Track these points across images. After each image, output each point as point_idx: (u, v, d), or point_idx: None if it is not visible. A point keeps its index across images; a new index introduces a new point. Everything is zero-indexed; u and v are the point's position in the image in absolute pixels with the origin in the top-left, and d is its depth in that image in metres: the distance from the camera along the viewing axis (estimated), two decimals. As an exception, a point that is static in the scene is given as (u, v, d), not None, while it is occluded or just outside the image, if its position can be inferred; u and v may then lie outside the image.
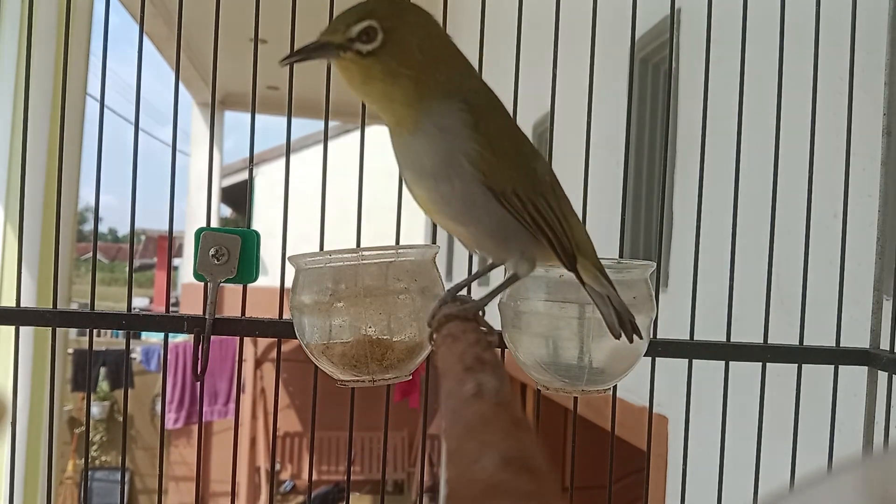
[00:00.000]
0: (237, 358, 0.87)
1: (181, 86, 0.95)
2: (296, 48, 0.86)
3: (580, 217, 0.94)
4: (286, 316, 0.82)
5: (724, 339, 0.91)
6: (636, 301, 0.69)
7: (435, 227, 0.82)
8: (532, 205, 0.58)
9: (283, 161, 0.93)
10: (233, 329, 0.87)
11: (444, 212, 0.59)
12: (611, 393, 0.86)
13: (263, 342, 6.86)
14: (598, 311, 0.66)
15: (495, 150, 0.57)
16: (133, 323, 0.86)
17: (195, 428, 6.61)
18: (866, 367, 0.92)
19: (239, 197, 10.09)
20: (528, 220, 0.58)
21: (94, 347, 0.97)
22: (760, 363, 0.90)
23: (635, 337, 0.65)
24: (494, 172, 0.57)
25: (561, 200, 0.62)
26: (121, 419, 7.24)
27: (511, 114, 0.71)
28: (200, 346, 0.83)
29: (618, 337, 0.66)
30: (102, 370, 6.79)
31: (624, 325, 0.65)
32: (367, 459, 7.58)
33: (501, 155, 0.57)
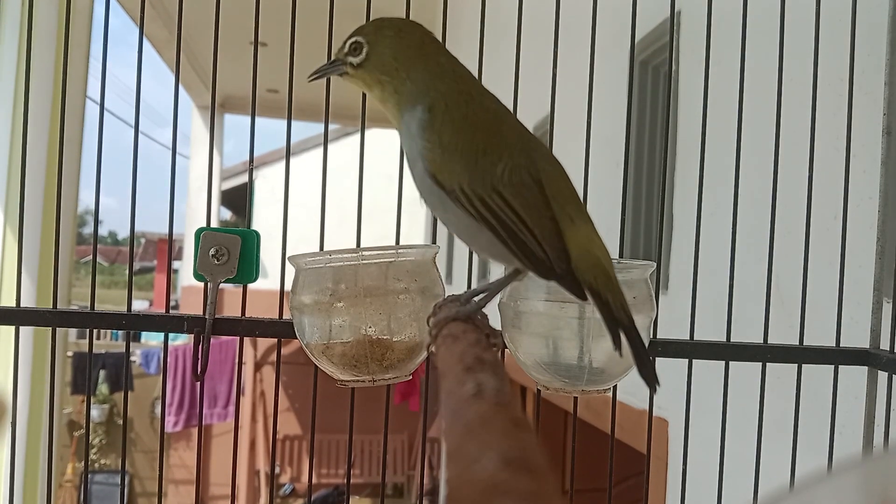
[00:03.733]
0: (237, 360, 0.87)
1: (181, 89, 0.95)
2: (295, 52, 0.87)
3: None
4: (286, 316, 0.82)
5: (724, 340, 0.91)
6: (636, 301, 0.68)
7: (435, 227, 0.82)
8: (479, 200, 0.54)
9: (282, 164, 0.93)
10: (233, 329, 0.86)
11: (435, 214, 0.60)
12: (611, 395, 0.86)
13: (263, 345, 6.86)
14: (598, 312, 0.65)
15: (444, 145, 0.56)
16: (133, 323, 0.86)
17: (195, 431, 6.60)
18: (866, 367, 0.92)
19: (239, 200, 10.09)
20: (477, 217, 0.55)
21: (94, 350, 0.97)
22: (760, 363, 0.90)
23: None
24: (441, 169, 0.56)
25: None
26: (120, 422, 7.23)
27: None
28: (200, 346, 0.83)
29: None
30: (102, 373, 6.78)
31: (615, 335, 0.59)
32: (367, 462, 7.57)
33: (450, 150, 0.55)
